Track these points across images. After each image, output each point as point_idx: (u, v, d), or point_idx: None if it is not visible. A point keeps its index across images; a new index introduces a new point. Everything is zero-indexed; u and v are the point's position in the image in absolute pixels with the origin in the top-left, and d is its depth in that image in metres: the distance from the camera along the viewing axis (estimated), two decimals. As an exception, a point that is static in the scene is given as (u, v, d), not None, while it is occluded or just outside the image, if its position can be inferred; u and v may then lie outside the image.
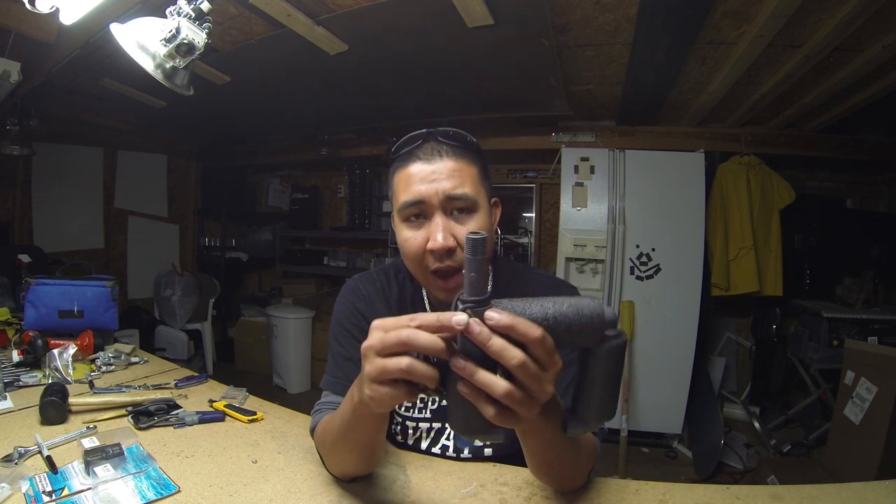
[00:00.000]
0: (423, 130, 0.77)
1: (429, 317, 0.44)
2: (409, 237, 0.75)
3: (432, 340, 0.43)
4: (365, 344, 0.48)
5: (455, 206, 0.73)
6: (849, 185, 3.31)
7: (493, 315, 0.41)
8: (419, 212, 0.74)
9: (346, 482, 0.74)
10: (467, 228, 0.73)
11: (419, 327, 0.44)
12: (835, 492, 0.73)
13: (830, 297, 2.87)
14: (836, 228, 2.99)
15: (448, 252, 0.72)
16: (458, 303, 0.44)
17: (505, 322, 0.41)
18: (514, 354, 0.41)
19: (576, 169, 2.78)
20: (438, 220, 0.72)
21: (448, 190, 0.72)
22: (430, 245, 0.72)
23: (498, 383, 0.41)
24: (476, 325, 0.41)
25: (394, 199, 0.78)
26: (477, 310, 0.42)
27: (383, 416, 0.62)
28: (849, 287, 2.81)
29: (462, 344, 0.43)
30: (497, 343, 0.41)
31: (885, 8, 1.50)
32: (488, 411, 0.42)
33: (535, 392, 0.43)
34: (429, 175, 0.73)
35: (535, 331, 0.41)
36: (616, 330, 0.47)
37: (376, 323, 0.49)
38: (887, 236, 2.91)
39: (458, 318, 0.42)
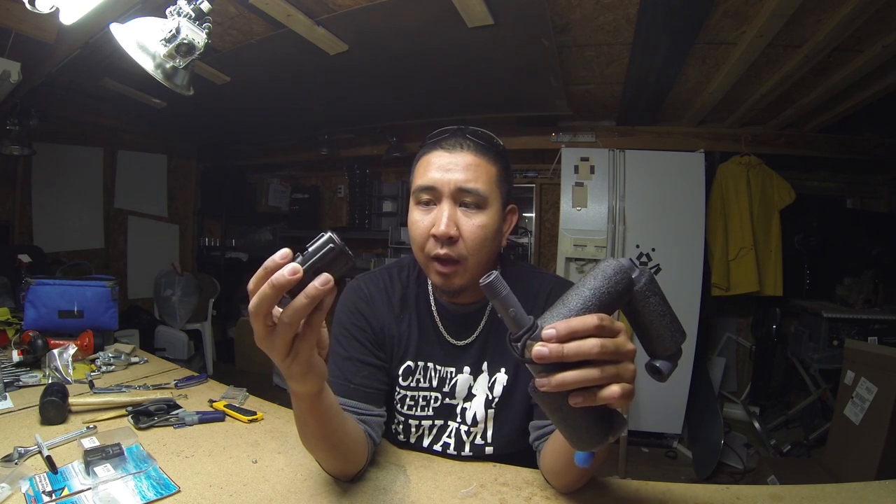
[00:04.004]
0: (454, 126, 0.80)
1: (259, 272, 0.46)
2: (417, 220, 0.78)
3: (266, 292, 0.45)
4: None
5: (465, 199, 0.76)
6: (849, 185, 3.31)
7: (550, 332, 0.42)
8: (430, 197, 0.77)
9: (346, 482, 0.74)
10: (473, 223, 0.75)
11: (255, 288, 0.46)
12: (835, 492, 0.73)
13: (830, 297, 2.87)
14: (836, 228, 2.99)
15: (449, 240, 0.74)
16: (512, 342, 0.45)
17: (564, 330, 0.43)
18: (592, 344, 0.43)
19: (576, 169, 2.79)
20: (445, 208, 0.75)
21: (460, 182, 0.75)
22: (433, 230, 0.74)
23: (586, 370, 0.43)
24: (544, 349, 0.42)
25: (412, 183, 0.81)
26: (533, 335, 0.43)
27: (314, 400, 0.59)
28: (849, 287, 2.81)
29: (536, 371, 0.45)
30: (571, 348, 0.42)
31: (885, 8, 1.50)
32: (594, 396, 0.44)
33: (625, 359, 0.45)
34: (446, 164, 0.76)
35: (591, 321, 0.43)
36: (638, 269, 0.49)
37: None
38: (887, 236, 2.90)
39: (292, 266, 0.43)
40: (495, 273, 0.43)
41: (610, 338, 0.44)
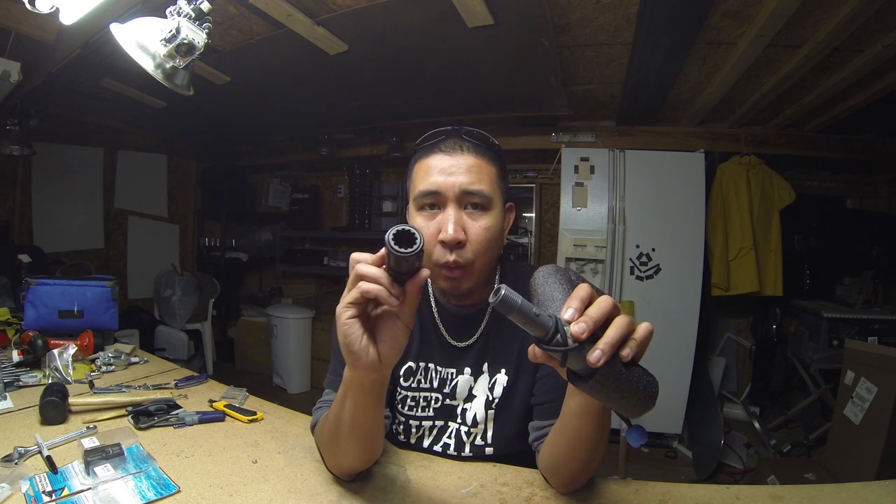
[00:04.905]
0: (448, 127, 0.79)
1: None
2: (421, 226, 0.76)
3: (374, 271, 0.52)
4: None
5: (470, 201, 0.75)
6: (849, 185, 3.31)
7: (581, 326, 0.44)
8: (434, 202, 0.75)
9: (346, 482, 0.74)
10: (479, 225, 0.75)
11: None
12: (835, 492, 0.73)
13: (830, 297, 2.87)
14: (836, 228, 2.99)
15: (458, 244, 0.73)
16: (545, 343, 0.45)
17: (579, 305, 0.46)
18: (606, 301, 0.46)
19: (576, 169, 2.78)
20: (451, 212, 0.73)
21: (465, 184, 0.74)
22: (441, 236, 0.73)
23: (616, 322, 0.46)
24: (582, 324, 0.44)
25: (411, 188, 0.79)
26: (563, 335, 0.44)
27: (372, 390, 0.60)
28: (849, 287, 2.81)
29: (578, 360, 0.45)
30: (596, 311, 0.45)
31: (885, 8, 1.50)
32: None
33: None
34: (448, 167, 0.75)
35: (584, 290, 0.47)
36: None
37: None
38: (887, 236, 2.90)
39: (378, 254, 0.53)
40: (503, 287, 0.42)
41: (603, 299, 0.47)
